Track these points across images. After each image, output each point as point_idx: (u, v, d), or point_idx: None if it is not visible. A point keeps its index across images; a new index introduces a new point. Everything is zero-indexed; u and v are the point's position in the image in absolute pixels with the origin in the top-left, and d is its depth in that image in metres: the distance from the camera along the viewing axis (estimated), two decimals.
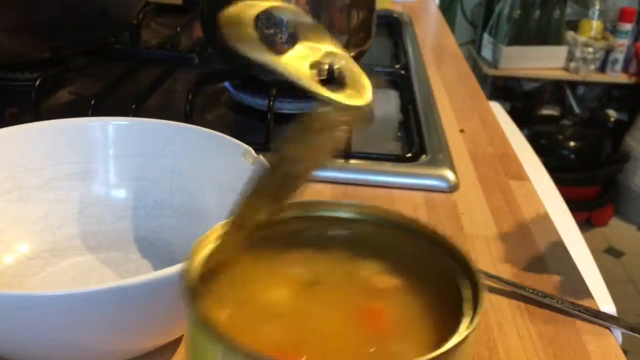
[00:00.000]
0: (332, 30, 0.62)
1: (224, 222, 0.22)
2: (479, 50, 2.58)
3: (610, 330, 0.41)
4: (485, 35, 2.52)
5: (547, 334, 0.40)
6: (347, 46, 0.64)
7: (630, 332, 0.41)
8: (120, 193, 0.46)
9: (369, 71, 0.74)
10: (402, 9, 1.21)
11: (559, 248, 0.49)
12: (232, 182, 0.41)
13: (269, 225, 0.23)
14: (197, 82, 0.64)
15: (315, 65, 0.28)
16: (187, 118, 0.59)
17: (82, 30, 0.65)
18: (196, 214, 0.44)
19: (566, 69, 2.40)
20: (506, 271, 0.46)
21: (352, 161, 0.57)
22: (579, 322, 0.41)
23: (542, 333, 0.40)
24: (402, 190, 0.56)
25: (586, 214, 2.29)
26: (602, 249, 2.20)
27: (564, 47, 2.38)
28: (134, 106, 0.60)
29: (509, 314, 0.41)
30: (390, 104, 0.74)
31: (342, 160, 0.58)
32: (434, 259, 0.24)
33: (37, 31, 0.61)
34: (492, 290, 0.43)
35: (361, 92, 0.23)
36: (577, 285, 0.45)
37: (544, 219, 0.53)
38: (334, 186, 0.55)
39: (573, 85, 2.60)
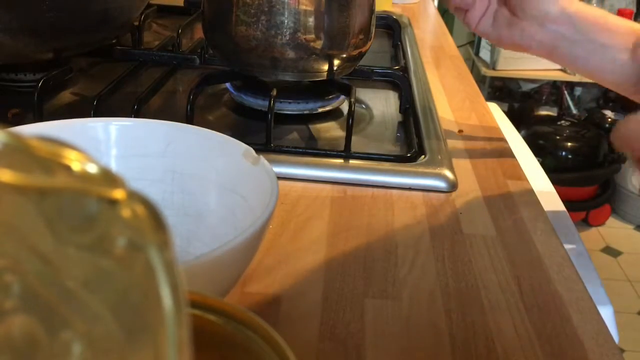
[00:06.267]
0: (332, 31, 0.63)
1: None
2: (477, 52, 2.59)
3: (608, 329, 0.41)
4: None
5: (545, 332, 0.40)
6: (346, 47, 0.64)
7: None
8: None
9: (367, 73, 0.74)
10: (402, 11, 1.21)
11: (557, 248, 0.50)
12: (233, 182, 0.42)
13: None
14: (198, 83, 0.64)
15: None
16: (188, 118, 0.60)
17: (85, 32, 0.66)
18: (196, 214, 0.44)
19: (563, 70, 2.41)
20: (504, 270, 0.46)
21: (352, 161, 0.58)
22: (576, 320, 0.42)
23: (540, 331, 0.40)
24: (401, 190, 0.56)
25: (583, 213, 2.30)
26: (600, 249, 2.21)
27: None
28: (135, 107, 0.60)
29: (507, 313, 0.42)
30: (389, 105, 0.75)
31: (341, 160, 0.58)
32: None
33: (39, 32, 0.61)
34: (490, 289, 0.44)
35: None
36: (574, 284, 0.46)
37: (542, 219, 0.54)
38: (333, 186, 0.56)
39: (570, 86, 2.61)
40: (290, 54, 0.62)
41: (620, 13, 2.34)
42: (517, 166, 0.63)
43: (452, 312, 0.41)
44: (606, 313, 0.70)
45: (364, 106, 0.74)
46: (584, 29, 0.58)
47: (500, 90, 2.65)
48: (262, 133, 0.59)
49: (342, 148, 0.59)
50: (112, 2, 0.66)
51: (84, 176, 0.16)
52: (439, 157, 0.60)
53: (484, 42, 2.52)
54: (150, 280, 0.15)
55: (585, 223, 2.32)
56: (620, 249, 2.22)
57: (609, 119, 2.52)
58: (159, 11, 0.97)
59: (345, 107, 0.69)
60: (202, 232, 0.43)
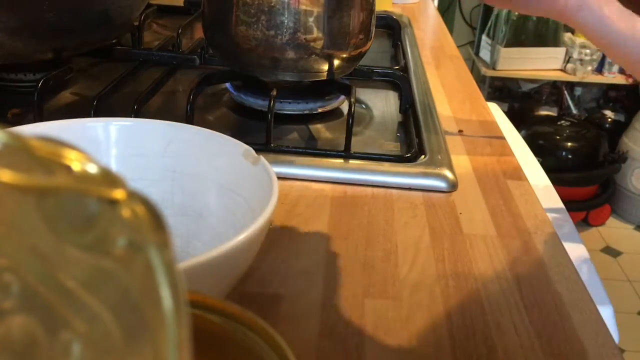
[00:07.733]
0: (332, 31, 0.63)
1: None
2: (477, 52, 2.59)
3: (608, 329, 0.41)
4: (484, 37, 2.53)
5: (545, 332, 0.40)
6: (346, 47, 0.64)
7: None
8: None
9: (368, 73, 0.74)
10: (402, 11, 1.21)
11: (557, 248, 0.50)
12: (232, 182, 0.42)
13: None
14: (198, 83, 0.64)
15: None
16: (188, 118, 0.60)
17: (85, 32, 0.66)
18: (196, 214, 0.44)
19: (564, 70, 2.41)
20: (504, 270, 0.46)
21: (352, 161, 0.58)
22: (576, 320, 0.42)
23: (540, 331, 0.40)
24: (401, 190, 0.56)
25: (583, 213, 2.30)
26: (600, 249, 2.21)
27: (561, 49, 2.39)
28: (135, 107, 0.60)
29: (507, 313, 0.42)
30: (389, 105, 0.75)
31: (341, 160, 0.58)
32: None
33: (39, 32, 0.61)
34: (490, 289, 0.44)
35: None
36: (574, 284, 0.46)
37: (542, 219, 0.54)
38: (333, 186, 0.56)
39: (570, 86, 2.61)
40: (290, 54, 0.62)
41: None
42: (517, 166, 0.63)
43: (452, 312, 0.41)
44: (606, 313, 0.70)
45: (364, 106, 0.74)
46: None
47: (500, 90, 2.65)
48: (262, 133, 0.59)
49: (342, 148, 0.59)
50: (112, 2, 0.66)
51: (84, 176, 0.16)
52: (439, 157, 0.60)
53: (484, 42, 2.52)
54: (150, 280, 0.15)
55: (585, 223, 2.32)
56: (620, 249, 2.21)
57: (609, 119, 2.52)
58: (159, 11, 0.97)
59: (345, 107, 0.69)
60: (202, 232, 0.43)
